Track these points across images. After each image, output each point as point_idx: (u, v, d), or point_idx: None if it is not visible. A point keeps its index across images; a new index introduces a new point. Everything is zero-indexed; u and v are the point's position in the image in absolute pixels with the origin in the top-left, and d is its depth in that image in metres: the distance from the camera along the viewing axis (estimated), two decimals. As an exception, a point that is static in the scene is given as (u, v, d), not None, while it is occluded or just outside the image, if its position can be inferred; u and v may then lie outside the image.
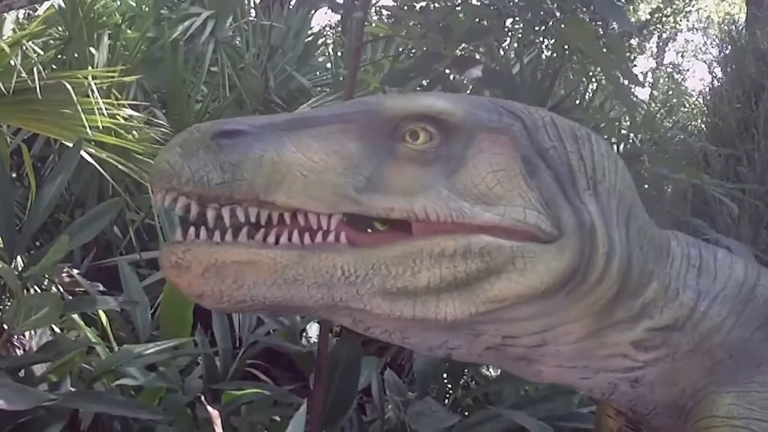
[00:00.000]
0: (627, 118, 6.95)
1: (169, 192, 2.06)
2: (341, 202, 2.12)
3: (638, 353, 2.58)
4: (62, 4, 5.80)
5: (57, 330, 4.08)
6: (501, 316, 2.30)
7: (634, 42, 19.39)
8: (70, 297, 4.19)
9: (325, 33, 11.18)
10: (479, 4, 6.24)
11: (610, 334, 2.52)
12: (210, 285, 2.07)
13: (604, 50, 4.55)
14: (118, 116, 4.95)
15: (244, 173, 2.05)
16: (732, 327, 2.69)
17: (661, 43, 24.25)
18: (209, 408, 3.28)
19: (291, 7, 9.27)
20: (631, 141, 6.90)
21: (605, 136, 6.80)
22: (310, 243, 2.13)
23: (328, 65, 8.37)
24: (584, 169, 2.42)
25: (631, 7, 19.33)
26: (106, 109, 4.67)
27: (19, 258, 4.03)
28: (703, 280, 2.72)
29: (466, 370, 4.56)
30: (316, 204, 2.10)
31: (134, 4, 7.43)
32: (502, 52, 7.61)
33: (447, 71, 3.83)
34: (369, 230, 2.26)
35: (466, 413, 4.42)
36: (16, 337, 3.83)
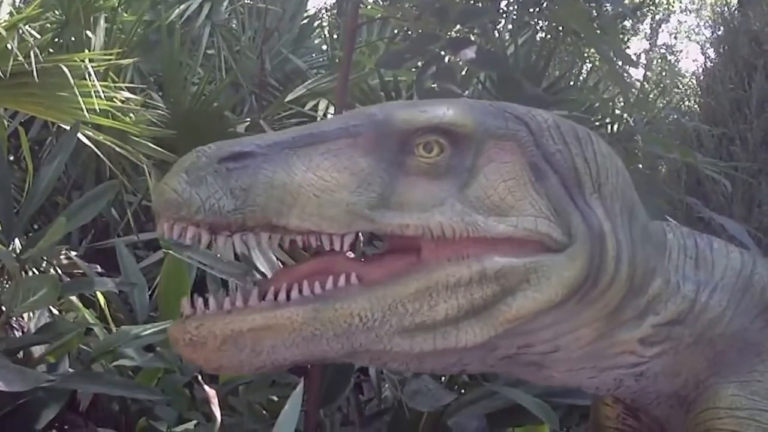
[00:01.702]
0: (621, 99, 6.96)
1: (178, 222, 1.98)
2: (355, 221, 2.07)
3: (644, 349, 2.58)
4: (59, -13, 5.80)
5: (55, 311, 4.09)
6: (517, 331, 2.29)
7: (627, 23, 19.36)
8: (68, 279, 4.21)
9: (320, 15, 11.13)
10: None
11: (618, 334, 2.52)
12: (228, 357, 2.02)
13: (598, 31, 4.55)
14: (115, 99, 4.95)
15: (256, 198, 1.98)
16: (732, 316, 2.70)
17: (654, 25, 24.20)
18: (207, 388, 3.32)
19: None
20: (625, 121, 6.90)
21: (599, 116, 6.84)
22: (321, 292, 2.08)
23: (324, 47, 8.34)
24: (589, 172, 2.40)
25: (625, -11, 19.30)
26: (103, 91, 4.67)
27: (17, 240, 4.06)
28: (701, 271, 2.72)
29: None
30: (330, 225, 2.05)
31: (131, -13, 7.44)
32: (496, 34, 7.61)
33: (442, 53, 3.83)
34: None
35: (462, 391, 4.43)
36: (14, 318, 3.84)
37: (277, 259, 4.54)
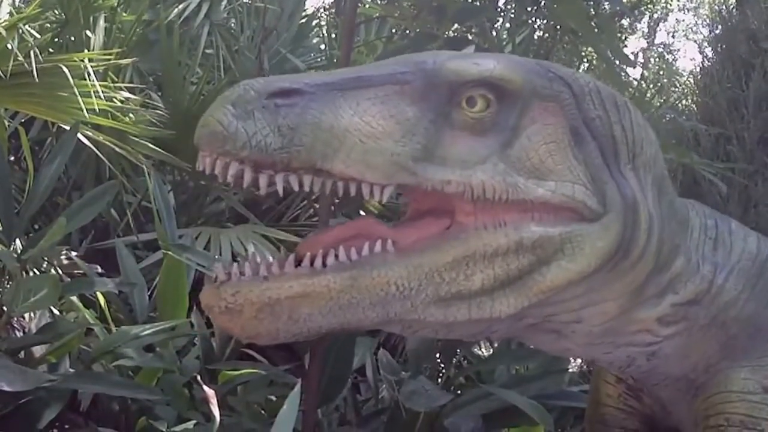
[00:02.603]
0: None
1: (222, 157, 1.93)
2: (398, 173, 2.05)
3: (661, 328, 2.58)
4: (58, -13, 5.81)
5: (56, 312, 4.09)
6: (549, 301, 2.30)
7: (625, 22, 19.33)
8: (69, 279, 4.22)
9: (319, 14, 11.15)
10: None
11: (639, 311, 2.52)
12: (265, 325, 1.99)
13: (596, 30, 4.57)
14: (114, 99, 4.96)
15: (303, 138, 1.94)
16: (746, 300, 2.70)
17: (652, 23, 24.16)
18: (206, 388, 3.33)
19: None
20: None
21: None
22: (358, 258, 2.06)
23: (322, 46, 8.35)
24: (626, 141, 2.39)
25: (624, -13, 19.30)
26: (102, 91, 4.67)
27: (17, 240, 4.07)
28: (719, 252, 2.72)
29: (458, 350, 4.61)
30: (373, 174, 2.02)
31: (130, -13, 7.45)
32: (494, 32, 7.63)
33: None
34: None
35: (459, 392, 4.46)
36: (15, 318, 3.85)
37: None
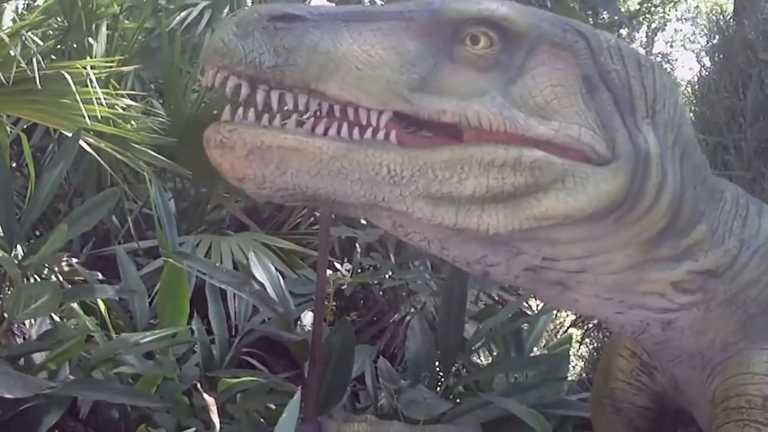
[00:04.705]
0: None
1: (221, 70, 2.01)
2: (393, 100, 2.07)
3: (676, 294, 2.55)
4: (61, -6, 5.83)
5: (56, 318, 4.11)
6: (544, 236, 2.26)
7: (624, 31, 19.38)
8: (70, 285, 4.24)
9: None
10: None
11: (651, 270, 2.48)
12: (253, 168, 2.03)
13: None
14: (116, 106, 4.99)
15: (297, 59, 1.99)
16: None
17: (650, 33, 24.16)
18: (205, 396, 3.34)
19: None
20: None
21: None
22: (358, 138, 2.08)
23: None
24: (645, 97, 2.37)
25: (622, -3, 19.35)
26: (104, 99, 4.71)
27: (18, 247, 4.08)
28: (747, 230, 2.69)
29: (457, 359, 4.62)
30: (368, 99, 2.05)
31: (132, -6, 7.47)
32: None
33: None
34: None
35: (458, 400, 4.46)
36: (16, 325, 3.87)
37: (276, 269, 4.59)
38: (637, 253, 2.42)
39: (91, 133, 4.80)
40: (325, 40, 2.04)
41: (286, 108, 2.07)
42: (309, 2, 6.00)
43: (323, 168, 2.05)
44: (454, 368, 4.67)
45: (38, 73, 4.42)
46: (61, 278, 4.31)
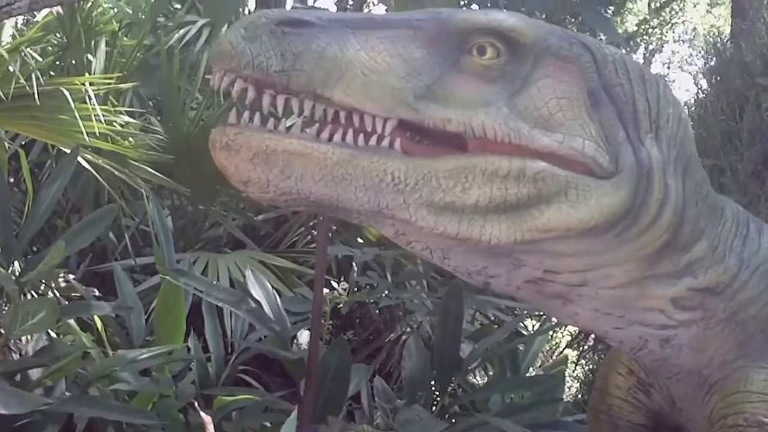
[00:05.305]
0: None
1: (228, 73, 2.02)
2: (399, 107, 2.07)
3: (675, 311, 2.55)
4: (61, 11, 5.84)
5: (53, 335, 4.10)
6: (545, 248, 2.27)
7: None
8: (66, 302, 4.24)
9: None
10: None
11: (652, 286, 2.48)
12: (257, 172, 2.03)
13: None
14: (114, 123, 5.00)
15: (304, 64, 2.00)
16: (767, 302, 2.69)
17: (647, 55, 24.18)
18: (201, 413, 3.34)
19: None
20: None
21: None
22: (363, 144, 2.08)
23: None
24: (648, 112, 2.38)
25: (619, 19, 19.35)
26: (102, 115, 4.71)
27: (16, 263, 4.09)
28: (747, 249, 2.69)
29: (453, 378, 4.62)
30: (373, 105, 2.06)
31: (131, 12, 7.47)
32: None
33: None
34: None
35: (453, 420, 4.47)
36: (12, 341, 3.86)
37: (273, 288, 4.59)
38: (637, 268, 2.43)
39: (90, 149, 4.81)
40: (332, 46, 2.04)
41: (293, 113, 2.07)
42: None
43: (327, 173, 2.05)
44: (450, 388, 4.67)
45: (37, 89, 4.42)
46: (58, 294, 4.31)
